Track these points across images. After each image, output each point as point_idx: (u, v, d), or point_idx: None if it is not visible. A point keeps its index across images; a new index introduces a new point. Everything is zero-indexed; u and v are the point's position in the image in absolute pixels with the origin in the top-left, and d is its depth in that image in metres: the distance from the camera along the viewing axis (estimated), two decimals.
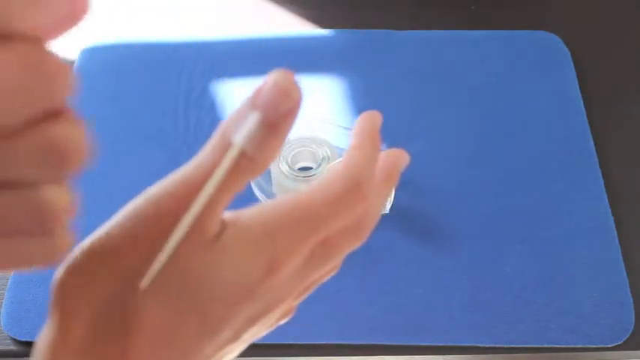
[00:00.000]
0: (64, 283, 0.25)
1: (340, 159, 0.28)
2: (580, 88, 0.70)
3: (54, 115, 0.20)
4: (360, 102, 0.70)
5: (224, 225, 0.25)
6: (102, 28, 0.78)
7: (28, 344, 0.55)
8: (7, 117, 0.19)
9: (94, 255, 0.24)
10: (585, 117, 0.68)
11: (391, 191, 0.30)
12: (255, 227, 0.25)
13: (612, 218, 0.61)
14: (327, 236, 0.27)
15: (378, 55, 0.73)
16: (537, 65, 0.72)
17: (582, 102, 0.69)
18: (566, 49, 0.73)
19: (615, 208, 0.62)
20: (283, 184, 0.57)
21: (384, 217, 0.61)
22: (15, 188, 0.20)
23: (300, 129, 0.60)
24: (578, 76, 0.71)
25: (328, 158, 0.60)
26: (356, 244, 0.28)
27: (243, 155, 0.24)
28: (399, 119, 0.68)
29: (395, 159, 0.31)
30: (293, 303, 0.29)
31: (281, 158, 0.58)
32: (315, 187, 0.26)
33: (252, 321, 0.26)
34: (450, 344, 0.55)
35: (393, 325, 0.55)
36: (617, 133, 0.68)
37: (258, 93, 0.24)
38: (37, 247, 0.22)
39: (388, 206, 0.60)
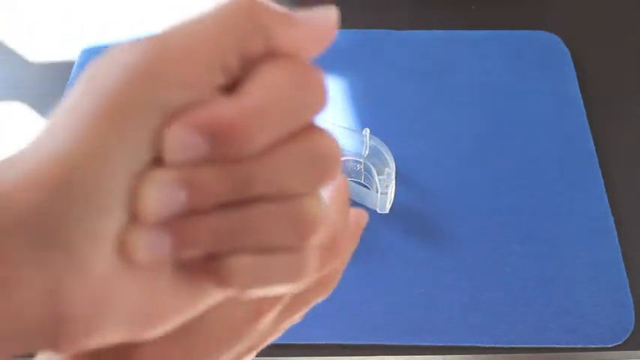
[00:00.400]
0: None
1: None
2: (580, 88, 0.70)
3: (311, 127, 0.21)
4: (360, 102, 0.70)
5: None
6: (102, 28, 0.78)
7: None
8: (279, 129, 0.20)
9: None
10: (585, 117, 0.68)
11: (353, 249, 0.32)
12: None
13: (612, 218, 0.61)
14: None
15: (378, 55, 0.73)
16: (537, 65, 0.72)
17: (582, 102, 0.69)
18: (566, 49, 0.73)
19: (615, 208, 0.62)
20: None
21: (385, 217, 0.61)
22: (276, 201, 0.21)
23: None
24: (578, 76, 0.71)
25: None
26: (321, 298, 0.30)
27: None
28: (399, 119, 0.68)
29: (359, 219, 0.33)
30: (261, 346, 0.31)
31: None
32: None
33: None
34: (450, 344, 0.55)
35: (393, 325, 0.55)
36: (617, 133, 0.68)
37: None
38: (285, 266, 0.22)
39: (388, 206, 0.60)
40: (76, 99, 0.20)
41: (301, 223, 0.21)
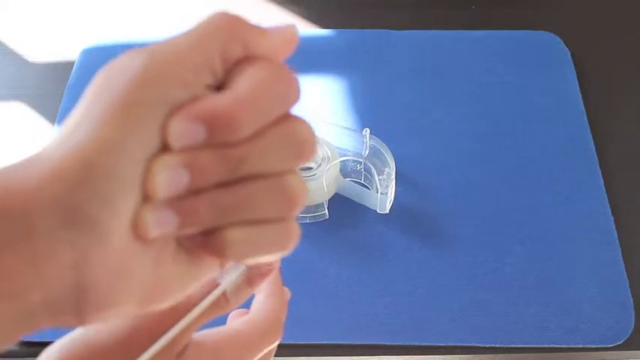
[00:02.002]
0: None
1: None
2: (580, 88, 0.70)
3: (288, 115, 0.26)
4: (360, 102, 0.70)
5: (186, 344, 0.30)
6: (102, 28, 0.78)
7: (29, 344, 0.55)
8: (263, 117, 0.24)
9: (89, 349, 0.28)
10: (585, 117, 0.68)
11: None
12: (208, 350, 0.31)
13: (612, 218, 0.61)
14: None
15: (378, 55, 0.73)
16: (537, 65, 0.72)
17: (582, 102, 0.69)
18: (566, 49, 0.73)
19: (615, 208, 0.62)
20: None
21: (385, 217, 0.61)
22: (264, 178, 0.25)
23: None
24: (578, 76, 0.71)
25: (328, 158, 0.60)
26: None
27: (223, 295, 0.31)
28: (399, 119, 0.68)
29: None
30: None
31: None
32: (251, 322, 0.33)
33: None
34: (450, 344, 0.55)
35: (393, 325, 0.55)
36: (617, 133, 0.68)
37: None
38: (274, 235, 0.26)
39: (388, 206, 0.60)
40: (92, 99, 0.23)
41: (286, 196, 0.25)
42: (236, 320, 0.34)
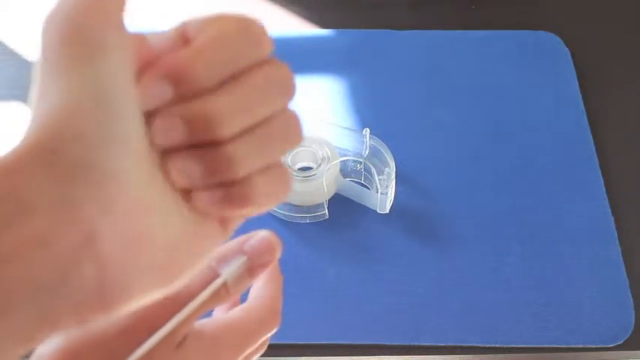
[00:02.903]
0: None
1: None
2: (580, 88, 0.70)
3: (263, 62, 0.26)
4: (360, 102, 0.70)
5: (186, 334, 0.31)
6: None
7: None
8: (226, 64, 0.25)
9: (89, 338, 0.29)
10: (585, 117, 0.68)
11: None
12: (207, 340, 0.31)
13: (612, 218, 0.61)
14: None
15: (378, 55, 0.73)
16: (537, 65, 0.72)
17: (582, 102, 0.69)
18: (566, 49, 0.73)
19: (615, 208, 0.62)
20: None
21: (385, 217, 0.61)
22: (267, 122, 0.26)
23: None
24: (578, 76, 0.71)
25: (328, 158, 0.60)
26: (257, 356, 0.36)
27: (224, 286, 0.31)
28: (399, 119, 0.68)
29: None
30: None
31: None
32: (249, 310, 0.33)
33: None
34: (450, 344, 0.55)
35: (393, 325, 0.55)
36: (617, 132, 0.68)
37: (248, 241, 0.32)
38: (281, 175, 0.27)
39: (388, 206, 0.60)
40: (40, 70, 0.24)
41: (292, 121, 0.27)
42: (235, 308, 0.34)
